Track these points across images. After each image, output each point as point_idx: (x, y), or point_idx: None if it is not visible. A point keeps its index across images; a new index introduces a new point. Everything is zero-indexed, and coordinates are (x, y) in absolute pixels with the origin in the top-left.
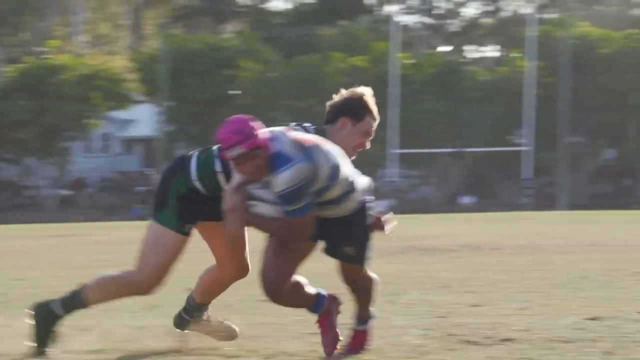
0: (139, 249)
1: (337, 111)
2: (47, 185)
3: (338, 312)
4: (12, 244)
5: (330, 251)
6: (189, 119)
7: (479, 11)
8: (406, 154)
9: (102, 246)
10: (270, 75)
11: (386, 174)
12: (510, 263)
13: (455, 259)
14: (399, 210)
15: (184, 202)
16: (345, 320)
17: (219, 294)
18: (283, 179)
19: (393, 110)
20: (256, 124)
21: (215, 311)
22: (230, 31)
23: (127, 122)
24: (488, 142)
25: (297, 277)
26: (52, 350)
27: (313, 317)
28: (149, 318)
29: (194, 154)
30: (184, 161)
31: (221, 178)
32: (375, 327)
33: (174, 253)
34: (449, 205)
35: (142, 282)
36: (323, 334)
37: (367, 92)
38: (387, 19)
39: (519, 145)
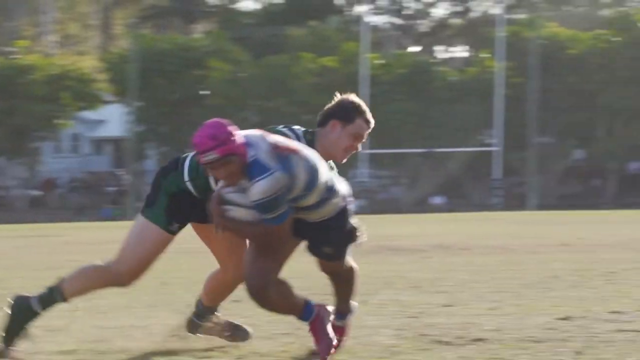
0: (123, 241)
1: (327, 114)
2: (16, 185)
3: (329, 320)
4: None
5: (310, 250)
6: (159, 119)
7: (448, 12)
8: (376, 154)
9: (72, 246)
10: (240, 75)
11: (356, 174)
12: (480, 263)
13: (425, 259)
14: (369, 210)
15: (175, 202)
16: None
17: (226, 295)
18: (260, 189)
19: None
20: (233, 129)
21: (226, 313)
22: (199, 31)
23: (96, 123)
24: (458, 143)
25: (285, 283)
26: (16, 349)
27: (285, 318)
28: (121, 318)
29: (189, 155)
30: (178, 162)
31: (212, 181)
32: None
33: (157, 248)
34: (420, 205)
35: (122, 273)
36: (316, 340)
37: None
38: (357, 19)
39: (489, 145)
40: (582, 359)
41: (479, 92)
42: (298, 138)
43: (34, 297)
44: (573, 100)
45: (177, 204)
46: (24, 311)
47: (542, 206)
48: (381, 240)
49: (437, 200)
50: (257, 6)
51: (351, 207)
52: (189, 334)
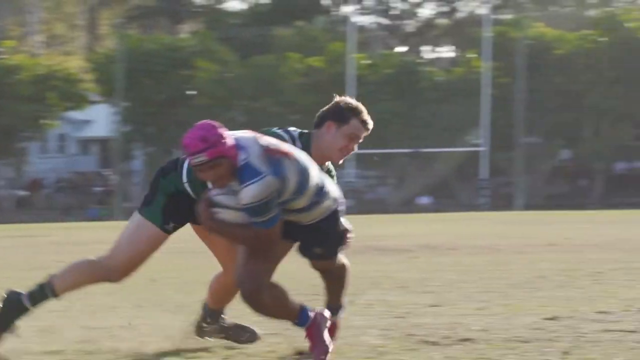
0: (117, 237)
1: (323, 116)
2: (3, 186)
3: (326, 326)
4: None
5: (301, 252)
6: (145, 119)
7: (435, 12)
8: (363, 154)
9: (60, 247)
10: (227, 75)
11: (343, 174)
12: (467, 263)
13: (412, 259)
14: (356, 210)
15: (173, 202)
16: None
17: (231, 298)
18: (251, 193)
19: None
20: (223, 131)
21: (231, 314)
22: (186, 31)
23: (83, 123)
24: (445, 143)
25: (279, 287)
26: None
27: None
28: (108, 319)
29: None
30: (177, 163)
31: (210, 183)
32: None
33: (151, 246)
34: (407, 205)
35: (114, 269)
36: (312, 346)
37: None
38: (344, 19)
39: (476, 145)
40: (569, 359)
41: (465, 92)
42: (293, 140)
43: (25, 293)
44: (560, 101)
45: (174, 204)
46: (15, 306)
47: (529, 206)
48: (368, 241)
49: (424, 200)
50: (244, 6)
51: (342, 208)
52: (199, 338)
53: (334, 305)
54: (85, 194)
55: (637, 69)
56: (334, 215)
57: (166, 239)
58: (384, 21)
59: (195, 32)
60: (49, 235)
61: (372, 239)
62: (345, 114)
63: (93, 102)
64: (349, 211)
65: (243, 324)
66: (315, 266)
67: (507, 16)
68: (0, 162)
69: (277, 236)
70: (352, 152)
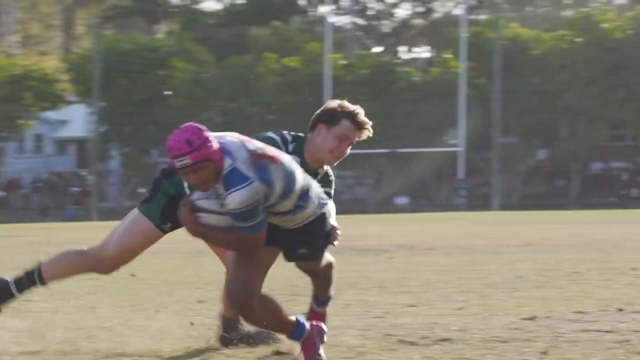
0: (112, 229)
1: (315, 119)
2: None
3: (322, 342)
4: None
5: (287, 257)
6: (122, 119)
7: (411, 12)
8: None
9: (39, 247)
10: (203, 75)
11: None
12: (445, 263)
13: (390, 260)
14: None
15: (173, 204)
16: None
17: None
18: (238, 199)
19: None
20: (209, 135)
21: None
22: (162, 32)
23: (59, 123)
24: (422, 143)
25: (269, 298)
26: None
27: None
28: (86, 319)
29: None
30: None
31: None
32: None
33: (145, 242)
34: (384, 205)
35: (106, 260)
36: (305, 358)
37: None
38: (320, 19)
39: (453, 145)
40: (547, 359)
41: (442, 93)
42: (286, 143)
43: (11, 280)
44: (536, 101)
45: (174, 206)
46: (3, 290)
47: (506, 206)
48: (346, 241)
49: (402, 200)
50: (220, 7)
51: (327, 209)
52: (225, 348)
53: (322, 298)
54: (62, 194)
55: (613, 69)
56: (320, 218)
57: (160, 238)
58: (360, 21)
59: (172, 33)
60: (28, 236)
61: (349, 240)
62: (335, 115)
63: (69, 102)
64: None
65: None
66: (301, 267)
67: (483, 17)
68: None
69: (263, 240)
70: (346, 154)
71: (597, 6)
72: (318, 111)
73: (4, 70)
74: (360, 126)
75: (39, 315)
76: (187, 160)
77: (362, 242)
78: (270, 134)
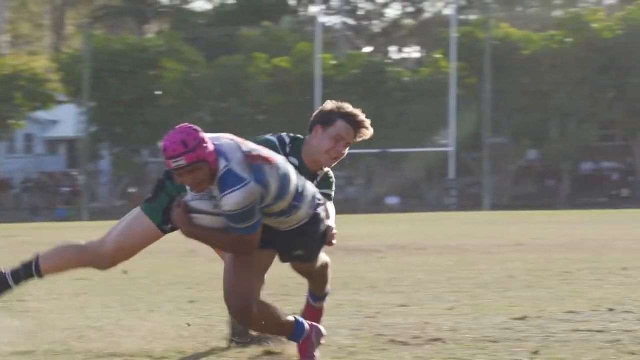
0: (113, 226)
1: (312, 122)
2: None
3: (320, 343)
4: None
5: (282, 258)
6: (112, 119)
7: (401, 12)
8: None
9: (30, 247)
10: (194, 75)
11: None
12: (436, 263)
13: (381, 260)
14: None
15: None
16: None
17: None
18: (234, 200)
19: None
20: (204, 136)
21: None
22: (152, 32)
23: (50, 123)
24: (412, 143)
25: (266, 303)
26: None
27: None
28: (77, 319)
29: None
30: None
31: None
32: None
33: (144, 241)
34: (375, 205)
35: (104, 256)
36: (301, 358)
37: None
38: (311, 20)
39: (443, 145)
40: (538, 359)
41: (432, 93)
42: (284, 145)
43: (7, 272)
44: (526, 101)
45: None
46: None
47: (497, 206)
48: (337, 241)
49: (393, 200)
50: (210, 7)
51: (322, 210)
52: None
53: (319, 294)
54: (52, 194)
55: (603, 69)
56: (314, 218)
57: (160, 238)
58: (351, 22)
59: (162, 33)
60: (19, 236)
61: (341, 240)
62: (330, 116)
63: (60, 102)
64: None
65: None
66: (297, 269)
67: (473, 17)
68: None
69: (258, 241)
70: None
71: (587, 6)
72: (315, 113)
73: None
74: (356, 126)
75: (31, 316)
76: (182, 161)
77: (353, 242)
78: (268, 136)
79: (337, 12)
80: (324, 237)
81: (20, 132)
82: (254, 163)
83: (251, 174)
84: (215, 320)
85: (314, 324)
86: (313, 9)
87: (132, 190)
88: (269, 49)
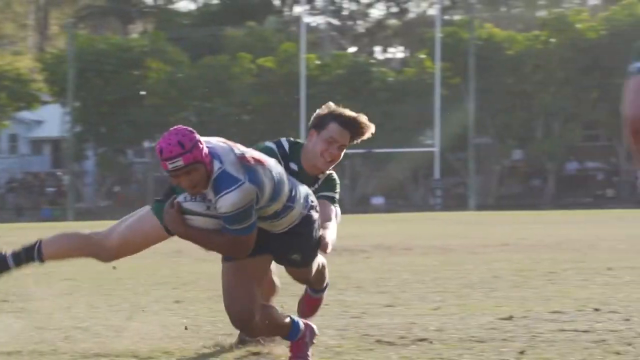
0: (120, 220)
1: (309, 127)
2: None
3: (312, 343)
4: None
5: (277, 260)
6: (97, 119)
7: (385, 12)
8: None
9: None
10: (178, 75)
11: None
12: (422, 263)
13: (367, 260)
14: None
15: None
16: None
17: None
18: (230, 201)
19: (301, 112)
20: (199, 138)
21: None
22: (136, 31)
23: (34, 123)
24: (398, 143)
25: (269, 307)
26: None
27: (225, 319)
28: (63, 320)
29: None
30: None
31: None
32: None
33: (149, 239)
34: (361, 205)
35: (108, 248)
36: (292, 357)
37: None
38: (295, 19)
39: (428, 146)
40: (524, 359)
41: (417, 93)
42: (284, 149)
43: (8, 253)
44: (511, 101)
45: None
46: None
47: (482, 206)
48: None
49: (378, 200)
50: (194, 6)
51: (315, 212)
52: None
53: (318, 287)
54: (37, 194)
55: (587, 70)
56: (308, 221)
57: (165, 239)
58: (335, 22)
59: (146, 33)
60: (3, 236)
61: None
62: (323, 120)
63: (44, 102)
64: None
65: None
66: (294, 276)
67: (457, 17)
68: None
69: (253, 242)
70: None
71: (571, 7)
72: (312, 117)
73: None
74: (350, 127)
75: (16, 316)
76: (179, 162)
77: (338, 242)
78: (267, 143)
79: (322, 12)
80: (319, 243)
81: (5, 132)
82: (247, 164)
83: (245, 174)
84: (201, 320)
85: (308, 323)
86: (297, 9)
87: (116, 189)
88: (253, 49)
